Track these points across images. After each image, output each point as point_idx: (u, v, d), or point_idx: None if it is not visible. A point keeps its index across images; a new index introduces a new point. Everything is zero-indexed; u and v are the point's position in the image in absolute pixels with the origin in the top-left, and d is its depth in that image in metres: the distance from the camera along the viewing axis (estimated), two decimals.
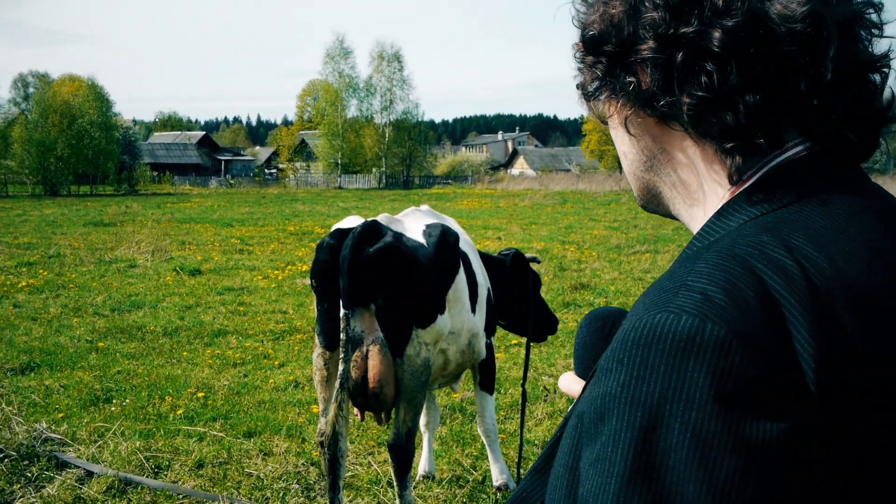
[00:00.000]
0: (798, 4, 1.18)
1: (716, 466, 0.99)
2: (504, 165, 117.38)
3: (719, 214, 1.28)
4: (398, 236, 5.32)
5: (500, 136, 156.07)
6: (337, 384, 5.05)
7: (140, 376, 9.79)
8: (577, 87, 1.43)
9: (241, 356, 10.84)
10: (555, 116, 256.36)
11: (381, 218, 5.55)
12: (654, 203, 1.49)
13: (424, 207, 6.25)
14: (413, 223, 5.77)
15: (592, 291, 15.76)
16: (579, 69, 1.42)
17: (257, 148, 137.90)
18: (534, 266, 7.10)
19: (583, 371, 1.66)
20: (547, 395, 8.91)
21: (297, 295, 15.71)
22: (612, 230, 28.92)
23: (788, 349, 1.04)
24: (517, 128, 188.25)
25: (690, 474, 1.00)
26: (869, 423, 1.07)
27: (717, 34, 1.19)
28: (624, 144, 1.44)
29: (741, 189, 1.28)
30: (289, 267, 19.24)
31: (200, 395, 8.99)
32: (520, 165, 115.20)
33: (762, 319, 1.04)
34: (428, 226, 5.76)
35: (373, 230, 5.23)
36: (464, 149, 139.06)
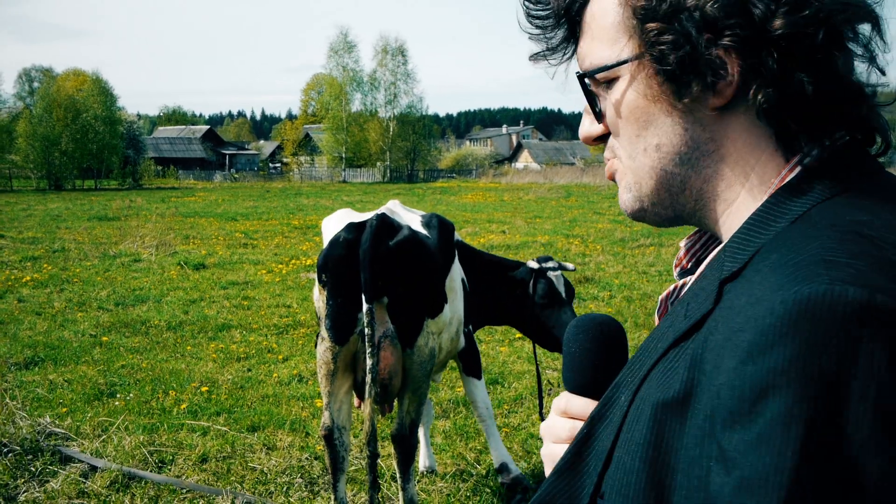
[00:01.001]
0: (859, 6, 1.19)
1: None
2: (508, 159, 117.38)
3: (778, 197, 1.23)
4: (412, 229, 5.33)
5: (504, 129, 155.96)
6: (368, 379, 5.04)
7: (144, 371, 9.79)
8: (662, 68, 1.29)
9: (245, 350, 10.85)
10: (559, 110, 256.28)
11: (384, 211, 5.55)
12: (661, 206, 1.39)
13: (397, 201, 6.23)
14: (408, 215, 5.79)
15: (597, 285, 15.75)
16: (647, 34, 1.29)
17: (261, 142, 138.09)
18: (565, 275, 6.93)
19: (581, 381, 1.51)
20: (551, 390, 8.90)
21: (301, 289, 15.71)
22: (617, 223, 28.86)
23: None
24: (521, 121, 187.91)
25: (876, 448, 0.95)
26: None
27: (777, 21, 1.17)
28: (665, 136, 1.33)
29: (793, 175, 1.24)
30: (293, 261, 19.25)
31: (204, 389, 8.99)
32: (524, 159, 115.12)
33: None
34: (423, 216, 5.81)
35: (388, 223, 5.23)
36: (468, 142, 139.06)
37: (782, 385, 0.99)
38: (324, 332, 5.30)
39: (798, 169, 1.24)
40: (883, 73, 1.23)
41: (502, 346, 10.79)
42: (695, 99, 1.26)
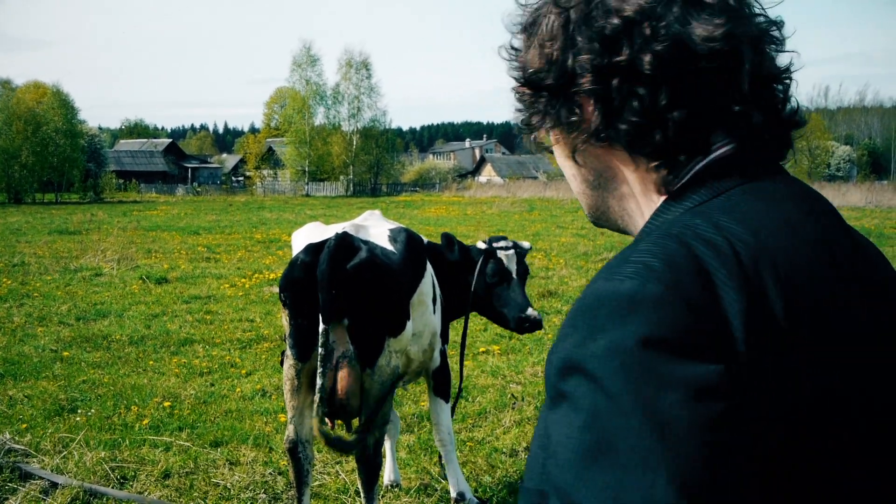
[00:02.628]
0: (716, 26, 1.33)
1: (657, 401, 1.11)
2: (471, 173, 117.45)
3: (657, 213, 1.43)
4: (372, 249, 5.32)
5: (467, 143, 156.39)
6: (316, 398, 5.04)
7: (105, 386, 9.71)
8: (522, 123, 1.57)
9: (208, 365, 10.78)
10: None
11: (349, 227, 5.53)
12: (603, 218, 1.61)
13: (376, 212, 6.24)
14: (376, 228, 5.77)
15: (560, 299, 15.81)
16: (522, 106, 1.56)
17: (224, 155, 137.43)
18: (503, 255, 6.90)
19: None
20: (515, 403, 8.91)
21: (265, 303, 15.64)
22: (580, 237, 28.98)
23: (718, 305, 1.18)
24: (484, 135, 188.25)
25: (633, 410, 1.11)
26: (799, 389, 1.21)
27: (647, 59, 1.33)
28: (572, 168, 1.56)
29: (674, 189, 1.42)
30: (256, 275, 19.16)
31: (167, 404, 8.92)
32: (487, 173, 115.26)
33: (694, 281, 1.19)
34: (391, 230, 5.78)
35: (346, 244, 5.21)
36: (431, 156, 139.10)
37: (573, 368, 1.18)
38: (287, 350, 5.32)
39: (681, 183, 1.41)
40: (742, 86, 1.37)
41: (466, 360, 10.77)
42: (579, 141, 1.48)
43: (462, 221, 38.75)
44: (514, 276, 6.64)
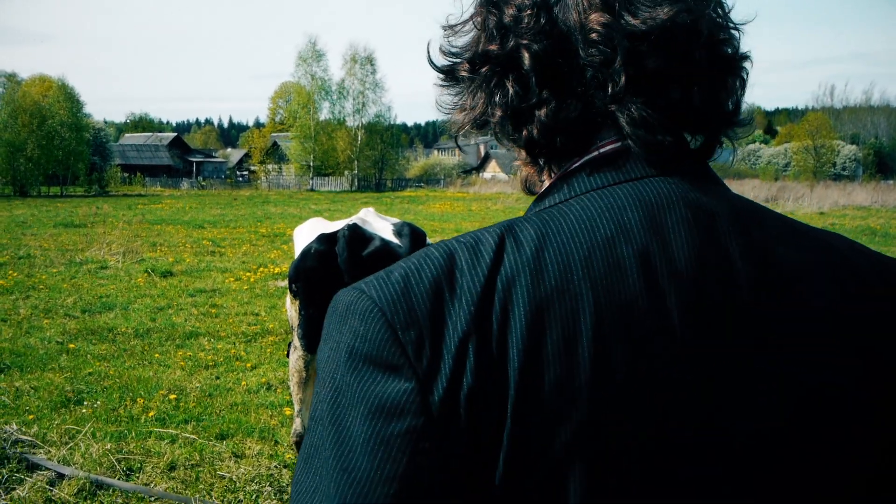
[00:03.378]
0: (594, 15, 1.22)
1: (344, 415, 1.10)
2: (476, 169, 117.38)
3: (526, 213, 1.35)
4: (384, 240, 5.34)
5: (472, 139, 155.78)
6: None
7: (111, 378, 9.74)
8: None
9: (213, 358, 10.81)
10: None
11: (355, 221, 5.55)
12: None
13: (371, 209, 6.26)
14: (378, 223, 5.80)
15: None
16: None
17: (229, 150, 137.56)
18: None
19: None
20: None
21: (269, 297, 15.66)
22: None
23: (438, 323, 1.11)
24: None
25: (326, 421, 1.12)
26: (521, 420, 1.09)
27: (523, 52, 1.24)
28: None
29: (541, 190, 1.36)
30: (261, 269, 19.19)
31: (172, 396, 8.95)
32: (492, 169, 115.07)
33: (423, 295, 1.13)
34: (394, 224, 5.81)
35: (359, 235, 5.23)
36: (436, 152, 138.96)
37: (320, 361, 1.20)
38: (296, 342, 5.31)
39: (544, 184, 1.37)
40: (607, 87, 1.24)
41: None
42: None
43: (467, 217, 38.71)
44: None
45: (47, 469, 6.79)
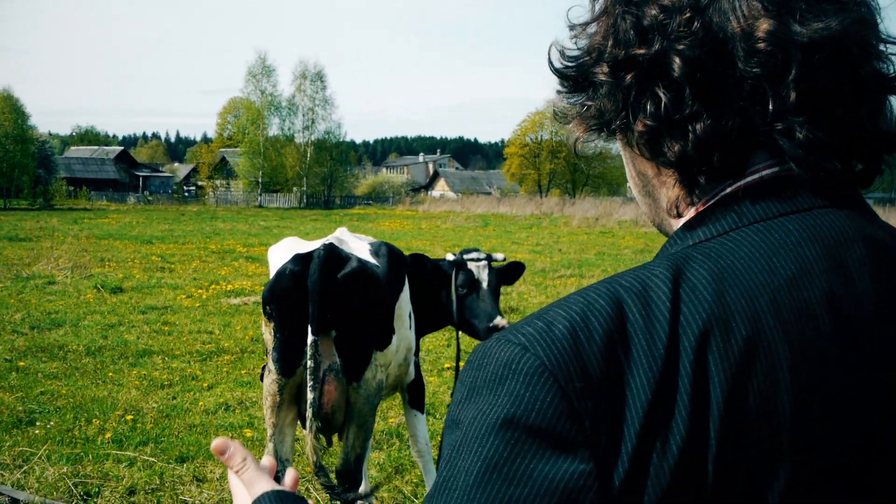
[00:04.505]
0: (760, 22, 1.08)
1: (499, 494, 0.97)
2: (425, 187, 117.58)
3: (668, 242, 1.22)
4: (360, 260, 5.21)
5: (420, 157, 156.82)
6: (309, 413, 4.93)
7: (64, 397, 9.47)
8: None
9: (169, 377, 10.57)
10: (475, 139, 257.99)
11: (332, 241, 5.42)
12: (661, 230, 1.38)
13: (345, 229, 6.13)
14: (355, 242, 5.69)
15: (521, 314, 15.72)
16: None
17: (176, 164, 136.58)
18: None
19: None
20: None
21: (223, 315, 15.42)
22: (536, 254, 29.03)
23: (616, 389, 0.99)
24: (438, 150, 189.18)
25: (475, 496, 0.98)
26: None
27: (673, 58, 1.10)
28: (626, 167, 1.37)
29: (692, 216, 1.20)
30: (213, 286, 18.91)
31: (129, 417, 8.71)
32: (440, 187, 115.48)
33: (597, 356, 1.00)
34: (372, 244, 5.72)
35: (335, 255, 5.10)
36: (385, 170, 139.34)
37: (449, 423, 1.09)
38: (270, 365, 5.17)
39: (703, 208, 1.19)
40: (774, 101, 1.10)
41: (431, 376, 10.65)
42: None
43: (417, 236, 38.67)
44: (485, 286, 6.55)
45: (1, 494, 6.55)
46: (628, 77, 1.14)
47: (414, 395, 6.39)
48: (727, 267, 1.06)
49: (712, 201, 1.17)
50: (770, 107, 1.08)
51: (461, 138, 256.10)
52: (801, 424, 0.99)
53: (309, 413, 4.94)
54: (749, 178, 1.15)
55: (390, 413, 8.89)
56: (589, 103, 1.22)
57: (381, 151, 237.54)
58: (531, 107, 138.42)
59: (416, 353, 6.30)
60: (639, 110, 1.14)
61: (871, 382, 1.04)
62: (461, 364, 6.70)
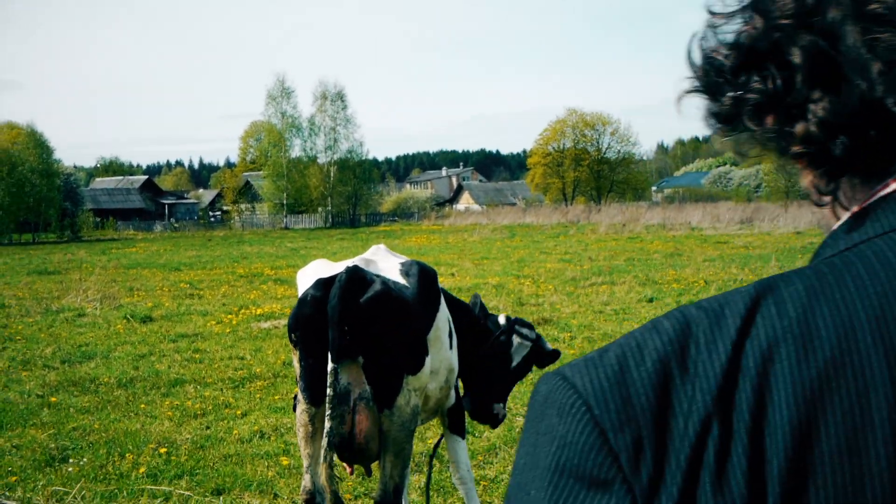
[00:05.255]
0: None
1: None
2: (449, 201, 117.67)
3: (817, 251, 1.02)
4: (386, 282, 5.03)
5: (443, 172, 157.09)
6: (324, 442, 4.74)
7: (97, 432, 9.33)
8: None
9: (202, 406, 10.42)
10: (497, 151, 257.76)
11: (359, 262, 5.24)
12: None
13: (382, 246, 5.95)
14: (386, 263, 5.49)
15: (556, 326, 15.52)
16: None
17: (201, 191, 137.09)
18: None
19: None
20: (498, 451, 8.59)
21: (254, 339, 15.29)
22: (566, 262, 28.83)
23: (663, 417, 0.85)
24: (461, 163, 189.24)
25: None
26: None
27: (849, 30, 0.89)
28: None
29: (843, 221, 0.99)
30: (242, 311, 18.79)
31: (163, 450, 8.55)
32: (465, 200, 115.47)
33: (645, 382, 0.87)
34: (402, 263, 5.52)
35: (358, 278, 4.93)
36: (408, 186, 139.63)
37: None
38: (299, 394, 5.00)
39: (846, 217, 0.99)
40: None
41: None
42: None
43: (444, 250, 38.55)
44: (514, 365, 6.35)
45: None
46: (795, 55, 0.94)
47: (454, 420, 6.17)
48: (832, 280, 0.87)
49: (864, 206, 0.96)
50: None
51: (483, 150, 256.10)
52: None
53: (324, 442, 4.77)
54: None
55: (428, 434, 8.70)
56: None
57: (404, 167, 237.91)
58: (552, 116, 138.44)
59: (459, 375, 6.10)
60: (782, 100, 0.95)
61: None
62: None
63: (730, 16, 1.01)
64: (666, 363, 0.87)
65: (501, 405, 6.29)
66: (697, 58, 1.04)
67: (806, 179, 1.03)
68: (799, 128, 0.94)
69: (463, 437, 6.24)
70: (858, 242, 0.92)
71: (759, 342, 0.85)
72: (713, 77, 1.02)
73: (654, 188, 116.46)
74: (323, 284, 4.95)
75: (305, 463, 5.06)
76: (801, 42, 0.92)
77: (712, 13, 1.02)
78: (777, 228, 48.40)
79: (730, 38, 1.00)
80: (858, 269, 0.87)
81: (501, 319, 6.39)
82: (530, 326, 6.47)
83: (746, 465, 0.81)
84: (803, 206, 64.84)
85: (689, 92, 1.06)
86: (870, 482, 0.79)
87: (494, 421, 6.38)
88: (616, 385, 0.87)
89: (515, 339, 6.30)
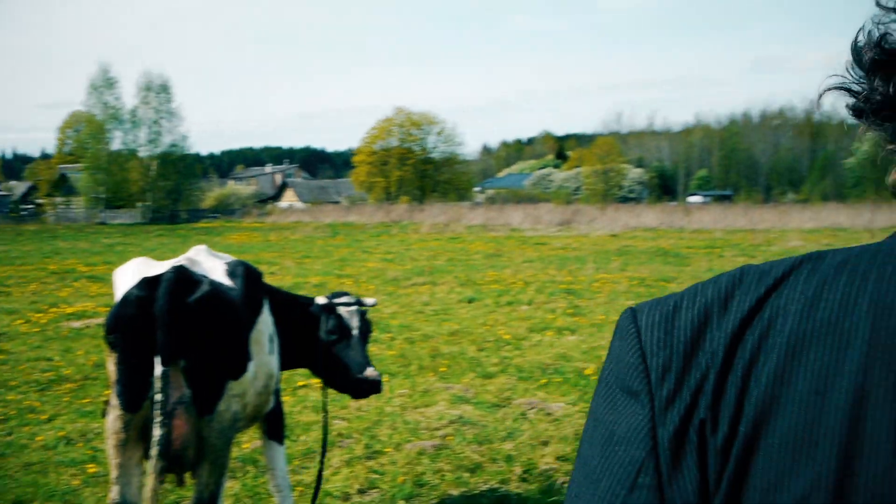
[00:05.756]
0: None
1: (587, 438, 1.07)
2: (273, 198, 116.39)
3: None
4: (213, 283, 4.88)
5: (268, 168, 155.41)
6: (154, 452, 4.56)
7: None
8: None
9: (3, 411, 9.95)
10: (323, 149, 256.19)
11: (183, 262, 5.08)
12: None
13: (203, 247, 5.78)
14: (210, 263, 5.35)
15: (376, 326, 15.37)
16: None
17: (13, 182, 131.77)
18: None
19: None
20: (343, 441, 8.51)
21: (64, 340, 14.73)
22: (387, 262, 28.89)
23: (693, 350, 1.00)
24: (286, 160, 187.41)
25: (582, 440, 1.08)
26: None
27: None
28: None
29: None
30: (52, 309, 18.09)
31: None
32: (289, 198, 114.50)
33: (692, 320, 1.02)
34: (228, 264, 5.38)
35: (186, 278, 4.77)
36: (232, 182, 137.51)
37: None
38: (113, 399, 4.79)
39: None
40: None
41: (285, 395, 10.28)
42: None
43: (265, 248, 38.11)
44: (356, 333, 6.27)
45: None
46: None
47: (273, 426, 6.05)
48: (866, 255, 0.98)
49: None
50: None
51: (309, 148, 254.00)
52: (854, 417, 0.89)
53: (154, 452, 4.60)
54: None
55: (243, 438, 8.53)
56: None
57: (229, 163, 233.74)
58: (380, 114, 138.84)
59: (278, 380, 5.97)
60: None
61: None
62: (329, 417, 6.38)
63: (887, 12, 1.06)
64: (709, 308, 1.01)
65: (371, 369, 6.19)
66: (853, 49, 1.09)
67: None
68: None
69: (282, 444, 6.14)
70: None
71: (779, 300, 0.98)
72: (852, 71, 1.08)
73: (477, 189, 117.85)
74: (148, 283, 4.78)
75: (114, 473, 4.86)
76: None
77: (879, 5, 1.05)
78: (594, 230, 49.60)
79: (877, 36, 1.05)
80: (888, 245, 0.98)
81: (321, 300, 6.30)
82: (346, 293, 6.43)
83: (734, 399, 0.95)
84: (620, 208, 66.88)
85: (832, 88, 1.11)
86: (826, 419, 0.89)
87: (374, 386, 6.26)
88: (666, 320, 1.03)
89: (343, 311, 6.23)
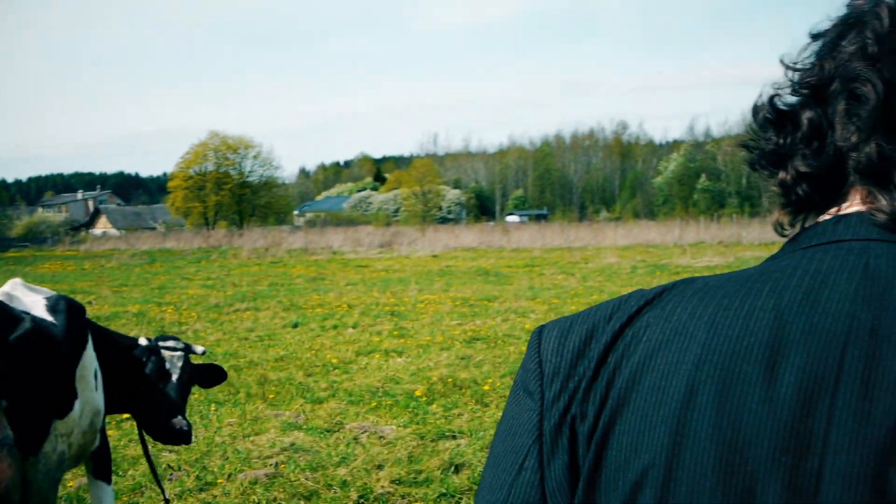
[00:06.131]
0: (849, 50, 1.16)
1: (498, 429, 1.27)
2: (85, 225, 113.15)
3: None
4: (35, 319, 4.68)
5: (79, 195, 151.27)
6: None
7: None
8: None
9: None
10: (137, 174, 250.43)
11: (1, 297, 4.87)
12: None
13: (18, 280, 5.55)
14: (28, 298, 5.12)
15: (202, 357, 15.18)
16: None
17: None
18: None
19: None
20: (172, 475, 8.32)
21: None
22: (209, 288, 28.38)
23: (576, 359, 1.18)
24: (98, 186, 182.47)
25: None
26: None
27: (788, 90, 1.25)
28: None
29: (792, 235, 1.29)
30: None
31: None
32: (103, 225, 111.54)
33: (580, 336, 1.21)
34: (48, 298, 5.15)
35: (5, 314, 4.55)
36: (41, 209, 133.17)
37: None
38: None
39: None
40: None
41: (110, 429, 10.01)
42: None
43: (80, 277, 36.88)
44: (174, 378, 6.08)
45: None
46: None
47: (99, 465, 5.81)
48: (717, 282, 1.17)
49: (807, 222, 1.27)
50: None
51: (122, 173, 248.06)
52: (684, 411, 1.07)
53: None
54: (848, 206, 1.19)
55: (68, 476, 8.24)
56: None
57: (37, 190, 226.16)
58: (194, 138, 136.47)
59: (104, 417, 5.76)
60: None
61: (791, 393, 1.02)
62: (153, 461, 6.17)
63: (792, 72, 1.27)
64: (596, 324, 1.20)
65: (180, 418, 5.98)
66: (752, 109, 1.31)
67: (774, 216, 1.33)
68: (780, 175, 1.25)
69: (109, 483, 5.91)
70: (776, 257, 1.20)
71: (647, 316, 1.16)
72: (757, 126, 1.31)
73: (296, 212, 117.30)
74: None
75: None
76: (808, 114, 1.20)
77: (785, 65, 1.27)
78: (415, 252, 49.91)
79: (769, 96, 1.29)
80: (735, 275, 1.17)
81: (143, 341, 6.11)
82: (174, 338, 6.24)
83: (599, 397, 1.14)
84: (439, 229, 67.51)
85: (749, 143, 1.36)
86: (662, 411, 1.08)
87: (181, 436, 6.03)
88: (562, 335, 1.23)
89: (166, 354, 6.06)
